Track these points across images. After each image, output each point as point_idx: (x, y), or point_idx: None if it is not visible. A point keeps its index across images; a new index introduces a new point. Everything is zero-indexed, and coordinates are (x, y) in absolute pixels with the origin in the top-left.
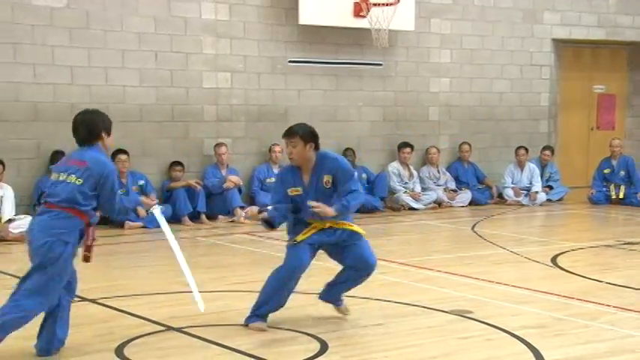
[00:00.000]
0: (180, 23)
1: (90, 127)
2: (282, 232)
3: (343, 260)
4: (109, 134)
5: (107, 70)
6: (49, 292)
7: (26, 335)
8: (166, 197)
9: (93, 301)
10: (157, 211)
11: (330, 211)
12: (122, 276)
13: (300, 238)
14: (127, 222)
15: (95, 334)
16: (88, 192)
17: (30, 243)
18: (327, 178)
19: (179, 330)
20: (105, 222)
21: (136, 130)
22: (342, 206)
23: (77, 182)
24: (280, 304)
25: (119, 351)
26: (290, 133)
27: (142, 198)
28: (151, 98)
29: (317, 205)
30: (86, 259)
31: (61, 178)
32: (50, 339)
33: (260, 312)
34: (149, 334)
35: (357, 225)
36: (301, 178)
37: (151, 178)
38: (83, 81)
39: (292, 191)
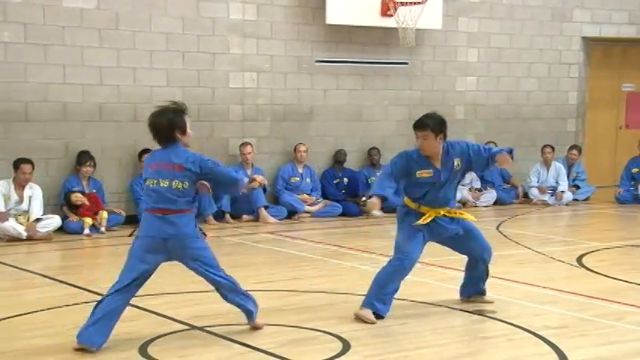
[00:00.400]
0: (208, 23)
1: (160, 131)
2: (306, 232)
3: (459, 250)
4: (184, 132)
5: (135, 70)
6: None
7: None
8: None
9: None
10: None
11: (508, 158)
12: None
13: (420, 222)
14: None
15: (119, 333)
16: (193, 189)
17: (171, 248)
18: (457, 162)
19: (201, 329)
20: (131, 221)
21: None
22: (503, 150)
23: (184, 186)
24: (389, 297)
25: (143, 349)
26: (421, 126)
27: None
28: (177, 98)
29: (503, 156)
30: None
31: (163, 185)
32: (105, 334)
33: (368, 302)
34: (172, 332)
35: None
36: (430, 162)
37: None
38: (111, 81)
39: (422, 173)
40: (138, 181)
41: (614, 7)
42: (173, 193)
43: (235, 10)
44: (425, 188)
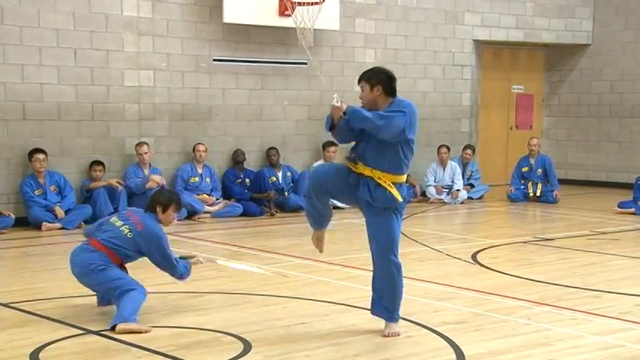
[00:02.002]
0: (101, 19)
1: (150, 201)
2: (206, 233)
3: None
4: (163, 211)
5: (24, 67)
6: None
7: None
8: (86, 198)
9: (7, 305)
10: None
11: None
12: (38, 279)
13: (350, 164)
14: (44, 223)
15: (9, 340)
16: (130, 247)
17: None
18: None
19: (97, 333)
20: (21, 223)
21: (54, 129)
22: (355, 109)
23: (129, 235)
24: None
25: (34, 356)
26: (360, 77)
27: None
28: (69, 96)
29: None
30: None
31: (117, 224)
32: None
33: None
34: (66, 337)
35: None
36: None
37: (70, 177)
38: None
39: None
40: (28, 181)
41: (502, 12)
42: (115, 231)
43: (129, 7)
44: (357, 139)
